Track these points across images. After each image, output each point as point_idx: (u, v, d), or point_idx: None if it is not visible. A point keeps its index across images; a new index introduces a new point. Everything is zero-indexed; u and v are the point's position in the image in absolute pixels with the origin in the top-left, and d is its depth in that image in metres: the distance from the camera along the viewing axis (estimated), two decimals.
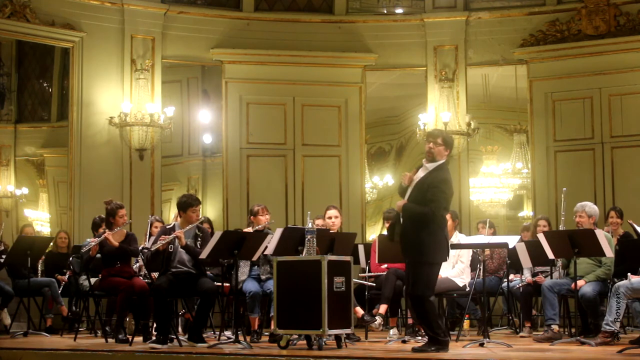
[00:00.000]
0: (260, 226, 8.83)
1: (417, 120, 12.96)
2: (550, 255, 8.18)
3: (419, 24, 13.07)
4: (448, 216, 8.19)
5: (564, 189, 9.26)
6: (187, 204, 8.10)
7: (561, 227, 8.88)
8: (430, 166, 6.98)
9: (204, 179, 15.31)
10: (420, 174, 7.00)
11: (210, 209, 14.68)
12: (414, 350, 6.94)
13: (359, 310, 8.63)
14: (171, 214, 12.75)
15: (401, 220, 6.99)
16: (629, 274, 7.69)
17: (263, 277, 8.70)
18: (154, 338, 7.89)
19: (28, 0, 11.83)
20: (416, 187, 6.96)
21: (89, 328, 10.04)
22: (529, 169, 14.43)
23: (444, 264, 8.67)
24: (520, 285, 9.62)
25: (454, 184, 7.51)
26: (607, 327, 7.53)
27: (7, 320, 10.34)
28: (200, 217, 8.27)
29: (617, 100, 12.31)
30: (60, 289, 10.57)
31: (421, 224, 6.86)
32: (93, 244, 8.43)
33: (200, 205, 8.26)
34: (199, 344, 7.81)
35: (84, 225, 11.31)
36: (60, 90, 14.21)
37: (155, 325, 8.16)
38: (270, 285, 8.28)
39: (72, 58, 12.23)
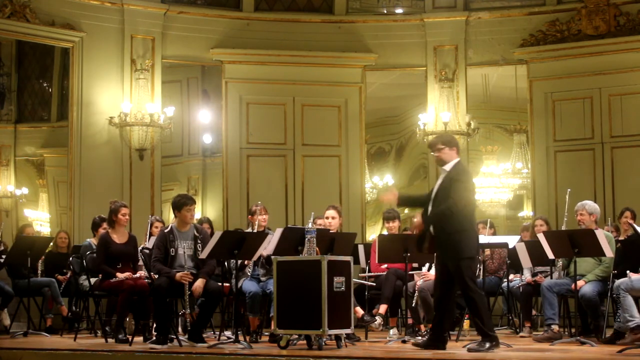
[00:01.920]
0: (262, 228, 8.84)
1: (417, 120, 12.97)
2: (550, 255, 8.19)
3: (419, 24, 13.07)
4: None
5: (569, 189, 9.26)
6: (181, 204, 8.13)
7: (564, 228, 8.88)
8: (448, 167, 7.29)
9: (204, 179, 15.31)
10: (440, 179, 7.33)
11: (210, 209, 14.69)
12: (470, 350, 7.01)
13: (359, 310, 8.63)
14: (171, 214, 12.73)
15: (431, 230, 7.23)
16: (628, 271, 7.69)
17: (263, 278, 8.71)
18: (154, 338, 7.89)
19: (28, 0, 11.82)
20: (440, 188, 7.24)
21: (89, 328, 10.03)
22: (529, 169, 14.42)
23: None
24: (520, 285, 9.62)
25: None
26: (633, 323, 7.48)
27: (7, 321, 10.32)
28: (195, 215, 8.28)
29: (617, 100, 12.31)
30: (61, 289, 10.56)
31: (448, 224, 7.11)
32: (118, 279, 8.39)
33: (195, 205, 8.27)
34: (199, 344, 7.81)
35: (84, 225, 11.30)
36: (60, 90, 14.21)
37: (155, 325, 8.16)
38: (270, 285, 8.28)
39: (72, 58, 12.23)
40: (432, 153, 7.48)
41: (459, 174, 7.20)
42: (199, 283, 7.87)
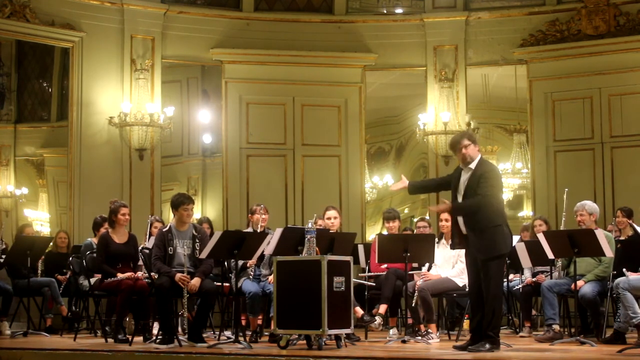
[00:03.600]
0: (262, 228, 8.83)
1: (417, 120, 12.97)
2: (550, 255, 8.19)
3: (419, 24, 13.08)
4: (448, 216, 8.19)
5: (567, 189, 9.27)
6: (179, 202, 8.15)
7: (562, 228, 8.88)
8: (473, 165, 7.20)
9: (203, 179, 15.31)
10: (465, 176, 7.21)
11: (210, 209, 14.68)
12: (470, 350, 7.00)
13: (359, 310, 8.63)
14: (171, 214, 12.74)
15: (463, 229, 7.16)
16: (624, 270, 7.69)
17: (263, 278, 8.71)
18: (154, 338, 7.89)
19: (28, 0, 11.83)
20: (468, 186, 7.15)
21: (88, 328, 10.03)
22: (528, 169, 14.43)
23: (444, 263, 8.74)
24: (520, 285, 9.63)
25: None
26: (638, 319, 7.48)
27: (7, 332, 10.16)
28: (195, 215, 8.27)
29: (617, 100, 12.32)
30: (61, 289, 10.56)
31: (481, 220, 7.04)
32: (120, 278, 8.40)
33: (193, 204, 8.28)
34: (199, 344, 7.81)
35: (84, 225, 11.31)
36: (60, 90, 14.20)
37: (155, 325, 8.16)
38: (270, 285, 8.28)
39: (72, 58, 12.23)
40: (457, 152, 7.27)
41: (487, 170, 7.14)
42: (195, 282, 7.88)
